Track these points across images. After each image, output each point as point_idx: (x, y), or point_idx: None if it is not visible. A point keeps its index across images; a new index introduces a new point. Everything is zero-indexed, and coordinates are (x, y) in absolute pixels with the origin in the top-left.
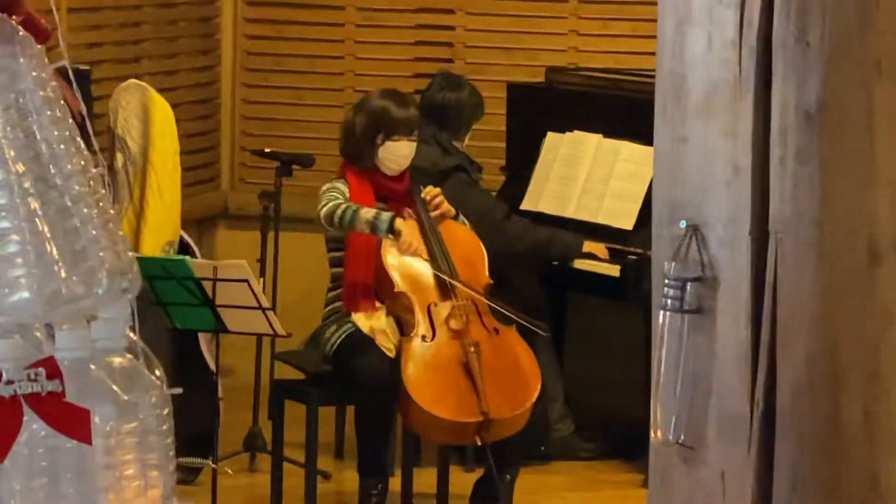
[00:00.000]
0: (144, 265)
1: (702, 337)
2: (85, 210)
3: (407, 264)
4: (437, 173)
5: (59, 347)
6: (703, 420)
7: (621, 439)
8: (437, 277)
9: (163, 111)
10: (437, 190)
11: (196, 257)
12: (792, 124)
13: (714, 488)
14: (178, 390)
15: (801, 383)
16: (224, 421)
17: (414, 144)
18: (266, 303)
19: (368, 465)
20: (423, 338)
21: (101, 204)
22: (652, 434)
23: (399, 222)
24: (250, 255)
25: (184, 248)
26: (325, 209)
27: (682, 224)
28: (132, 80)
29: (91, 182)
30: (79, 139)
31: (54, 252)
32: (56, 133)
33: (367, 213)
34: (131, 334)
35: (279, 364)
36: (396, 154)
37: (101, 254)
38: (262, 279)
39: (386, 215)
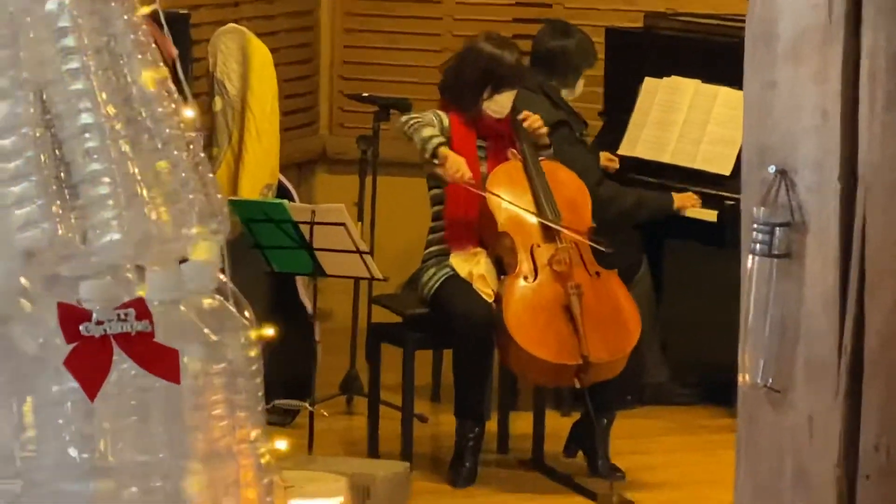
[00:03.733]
0: (242, 208)
1: (790, 282)
2: (175, 152)
3: (511, 204)
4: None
5: (149, 288)
6: (791, 364)
7: (717, 385)
8: (539, 220)
9: (261, 55)
10: (536, 116)
11: (294, 201)
12: (881, 69)
13: (801, 432)
14: (269, 332)
15: (888, 328)
16: (321, 364)
17: (515, 91)
18: (363, 246)
19: (465, 409)
20: (525, 279)
21: (191, 146)
22: (740, 378)
23: (444, 149)
24: (348, 198)
25: (282, 191)
26: (404, 117)
27: (771, 169)
28: (231, 24)
29: (181, 125)
30: (169, 82)
31: (145, 194)
32: (146, 76)
33: (428, 131)
34: (221, 276)
35: (376, 307)
36: (501, 105)
37: (191, 196)
38: (359, 223)
39: (435, 140)
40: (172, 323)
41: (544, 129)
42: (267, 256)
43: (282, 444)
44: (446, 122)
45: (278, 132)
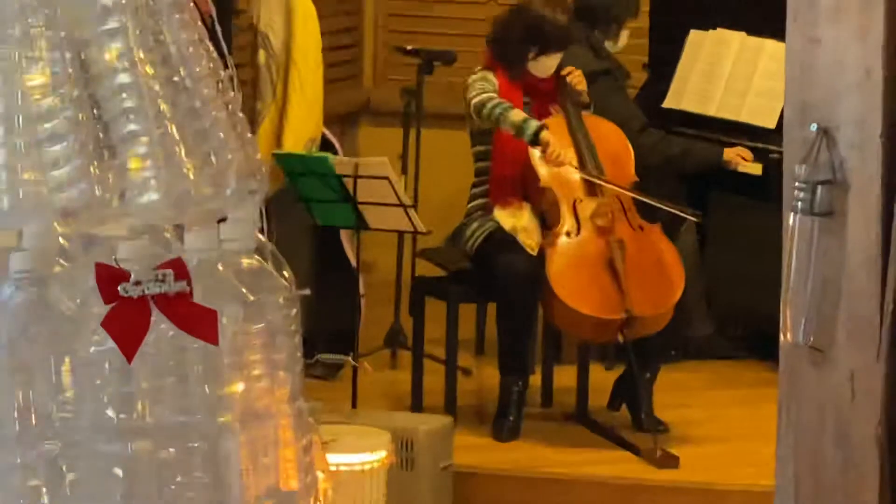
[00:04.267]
0: (286, 161)
1: (832, 240)
2: (213, 112)
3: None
4: (586, 76)
5: (187, 248)
6: (833, 323)
7: (762, 339)
8: (581, 175)
9: (305, 7)
10: (579, 72)
11: (338, 154)
12: None
13: (843, 390)
14: (307, 291)
15: None
16: (366, 317)
17: (561, 54)
18: (407, 200)
19: (509, 363)
20: (568, 233)
21: (229, 107)
22: (782, 336)
23: (546, 134)
24: (393, 151)
25: (326, 144)
26: (477, 99)
27: (813, 127)
28: None
29: (220, 84)
30: (208, 42)
31: (183, 154)
32: (185, 36)
33: (517, 115)
34: (260, 235)
35: (420, 261)
36: (546, 66)
37: (229, 156)
38: (403, 176)
39: (534, 123)
40: (211, 283)
41: (584, 87)
42: (311, 209)
43: (319, 405)
44: (496, 82)
45: (322, 85)
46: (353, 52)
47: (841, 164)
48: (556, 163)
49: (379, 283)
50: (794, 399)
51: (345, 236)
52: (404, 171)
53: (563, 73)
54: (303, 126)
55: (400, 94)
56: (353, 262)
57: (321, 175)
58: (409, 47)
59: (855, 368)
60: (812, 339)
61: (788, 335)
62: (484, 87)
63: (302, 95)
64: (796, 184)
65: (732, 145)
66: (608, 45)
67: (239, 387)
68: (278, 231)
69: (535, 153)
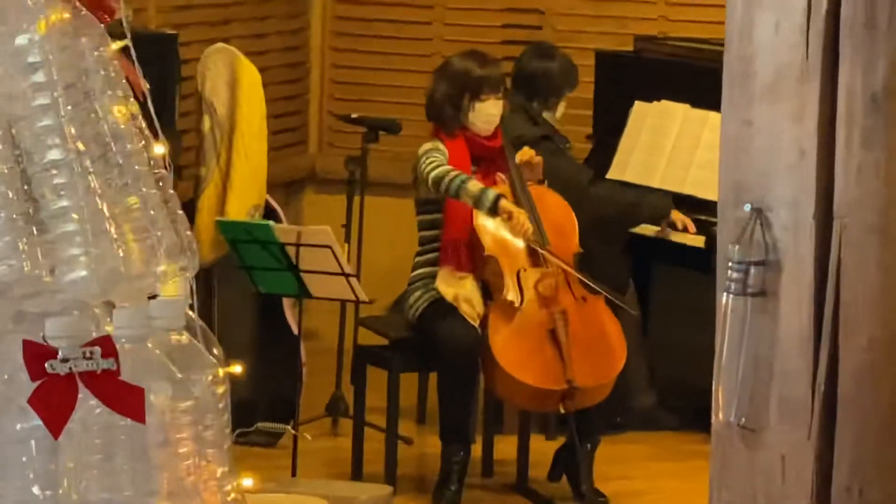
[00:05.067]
0: (229, 229)
1: (765, 320)
2: (144, 189)
3: (498, 229)
4: (522, 144)
5: (116, 325)
6: (765, 403)
7: (704, 410)
8: (527, 243)
9: (250, 75)
10: (531, 151)
11: (281, 222)
12: (858, 108)
13: (774, 471)
14: (238, 369)
15: (863, 368)
16: (308, 384)
17: (501, 102)
18: (349, 269)
19: (451, 432)
20: (512, 303)
21: (160, 183)
22: (714, 416)
23: (504, 203)
24: (337, 219)
25: (269, 212)
26: (434, 172)
27: (747, 207)
28: (220, 44)
29: (151, 161)
30: (140, 118)
31: (113, 231)
32: (117, 112)
33: (475, 186)
34: (190, 312)
35: (363, 329)
36: (486, 113)
37: (159, 233)
38: (347, 244)
39: (492, 193)
40: (139, 360)
41: (540, 163)
42: (253, 277)
43: (248, 482)
44: (446, 151)
45: (266, 153)
46: (299, 120)
47: (774, 245)
48: (520, 231)
49: (321, 350)
50: (725, 480)
51: (287, 304)
52: (348, 239)
53: (518, 155)
54: (246, 193)
55: (345, 162)
56: (295, 330)
57: (264, 243)
58: (353, 115)
59: (787, 449)
60: (744, 419)
61: (720, 414)
62: (437, 158)
63: (246, 162)
64: (730, 264)
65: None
66: (546, 115)
67: (166, 465)
68: (221, 298)
69: (480, 220)
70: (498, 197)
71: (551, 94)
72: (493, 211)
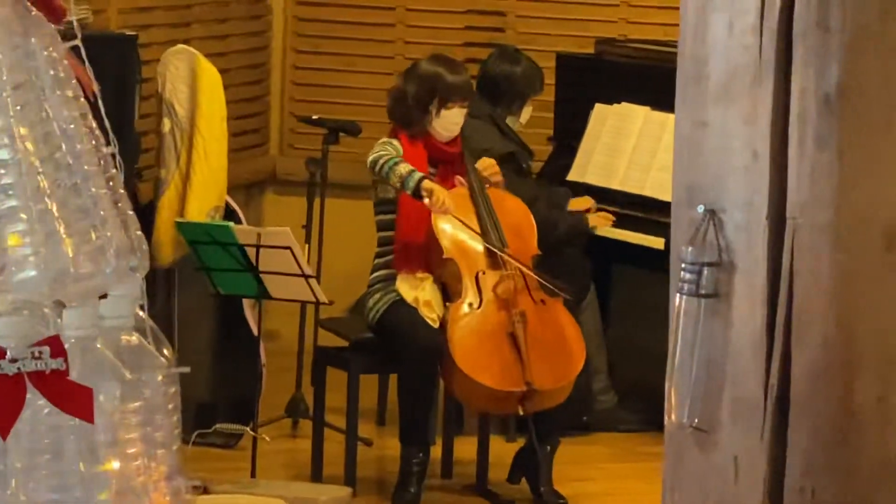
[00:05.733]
0: (189, 230)
1: (717, 321)
2: (94, 189)
3: (457, 231)
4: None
5: (65, 325)
6: (718, 404)
7: (663, 412)
8: (486, 245)
9: (210, 77)
10: (491, 161)
11: (241, 223)
12: (811, 110)
13: (727, 472)
14: (186, 369)
15: (815, 369)
16: (268, 385)
17: (465, 110)
18: (309, 270)
19: (410, 433)
20: (470, 305)
21: (110, 183)
22: (666, 417)
23: (428, 182)
24: (298, 220)
25: (229, 213)
26: (372, 156)
27: (700, 209)
28: (180, 46)
29: (101, 161)
30: (90, 118)
31: (62, 231)
32: (67, 112)
33: (404, 167)
34: (140, 312)
35: (323, 330)
36: (450, 121)
37: (108, 233)
38: (307, 245)
39: (417, 174)
40: (88, 360)
41: (497, 172)
42: (213, 278)
43: (195, 483)
44: (399, 148)
45: (226, 154)
46: (259, 121)
47: (727, 246)
48: (440, 210)
49: (281, 351)
50: (678, 481)
51: (247, 305)
52: (308, 240)
53: (478, 165)
54: (206, 194)
55: (305, 163)
56: (255, 331)
57: (224, 244)
58: (314, 117)
59: (739, 450)
60: (697, 420)
61: (673, 416)
62: (385, 149)
63: (206, 164)
64: (683, 265)
65: (636, 218)
66: (510, 120)
67: (115, 465)
68: (181, 299)
69: (438, 224)
70: (422, 177)
71: (515, 98)
72: (417, 192)
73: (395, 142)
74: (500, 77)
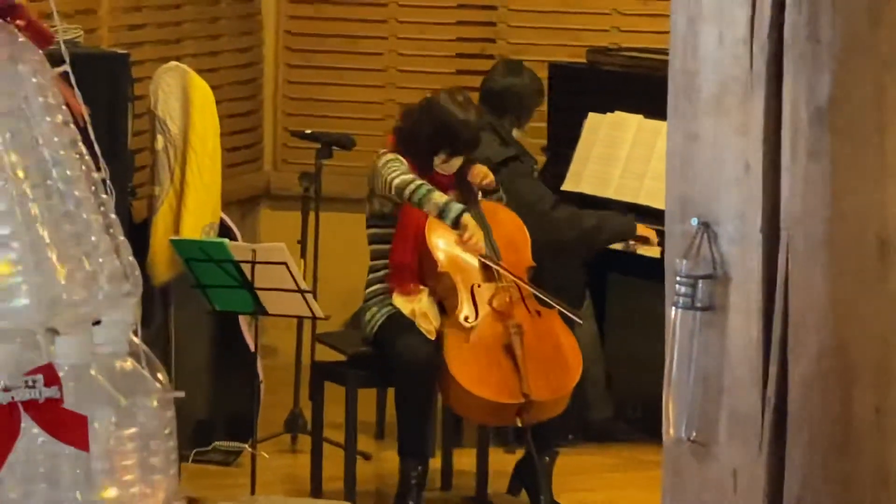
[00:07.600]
0: (184, 247)
1: (713, 334)
2: (85, 215)
3: (451, 245)
4: (492, 164)
5: (58, 354)
6: (715, 417)
7: (661, 421)
8: (480, 258)
9: (203, 93)
10: (484, 168)
11: (236, 239)
12: (803, 121)
13: (725, 485)
14: (181, 394)
15: (812, 380)
16: (265, 401)
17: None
18: (305, 285)
19: (409, 447)
20: (466, 318)
21: (102, 209)
22: (664, 431)
23: (467, 217)
24: (292, 235)
25: (224, 230)
26: (398, 179)
27: (694, 221)
28: (172, 63)
29: (93, 187)
30: (81, 144)
31: (54, 258)
32: (57, 139)
33: (440, 197)
34: (134, 338)
35: (320, 345)
36: (452, 166)
37: (101, 259)
38: (302, 260)
39: (457, 206)
40: (83, 387)
41: (491, 180)
42: (208, 295)
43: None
44: (405, 162)
45: (220, 171)
46: (253, 137)
47: (722, 259)
48: (471, 248)
49: (278, 367)
50: (677, 494)
51: (243, 321)
52: (303, 255)
53: (471, 178)
54: (201, 211)
55: (299, 178)
56: (252, 347)
57: (219, 261)
58: (307, 131)
59: (737, 463)
60: (694, 434)
61: (671, 430)
62: (399, 167)
63: (200, 180)
64: (677, 278)
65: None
66: (515, 132)
67: (112, 492)
68: (177, 317)
69: (433, 238)
70: (463, 210)
71: (522, 110)
72: (455, 224)
73: (400, 158)
74: (506, 90)
